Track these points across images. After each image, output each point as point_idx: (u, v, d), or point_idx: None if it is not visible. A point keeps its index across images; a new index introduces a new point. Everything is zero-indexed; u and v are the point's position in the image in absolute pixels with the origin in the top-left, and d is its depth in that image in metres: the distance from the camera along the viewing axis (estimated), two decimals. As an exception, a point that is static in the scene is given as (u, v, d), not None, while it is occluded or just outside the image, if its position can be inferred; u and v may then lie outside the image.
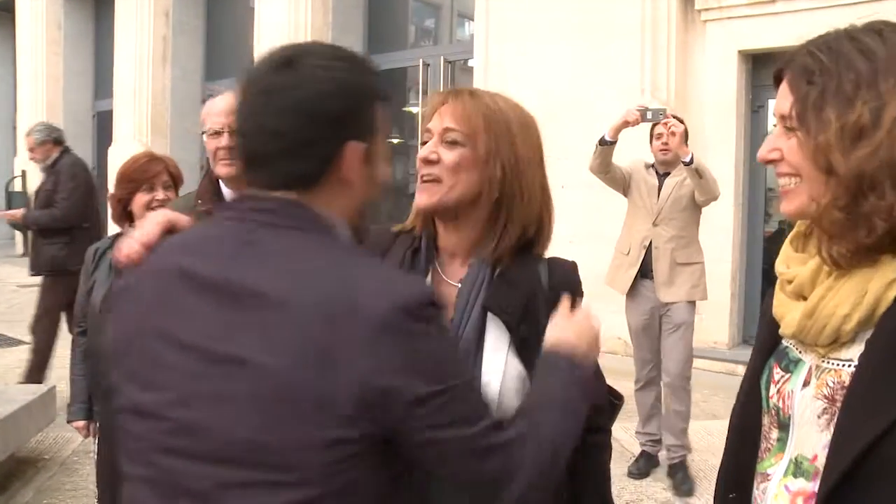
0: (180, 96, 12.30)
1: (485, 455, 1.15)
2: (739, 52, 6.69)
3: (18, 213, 6.40)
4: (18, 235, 14.66)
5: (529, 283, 1.49)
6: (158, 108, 12.18)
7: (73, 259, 5.75)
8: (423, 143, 1.49)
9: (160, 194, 2.81)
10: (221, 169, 2.50)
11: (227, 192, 2.53)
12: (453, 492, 1.25)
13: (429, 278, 1.52)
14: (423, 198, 1.47)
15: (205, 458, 1.09)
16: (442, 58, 9.40)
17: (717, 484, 1.43)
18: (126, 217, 2.83)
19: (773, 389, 1.28)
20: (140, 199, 2.79)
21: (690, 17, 6.96)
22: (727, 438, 1.42)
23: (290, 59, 1.18)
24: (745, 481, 1.33)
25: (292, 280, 1.10)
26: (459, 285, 1.49)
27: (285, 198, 1.17)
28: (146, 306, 1.17)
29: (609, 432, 1.69)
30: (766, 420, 1.32)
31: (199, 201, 2.52)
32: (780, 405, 1.26)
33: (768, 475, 1.27)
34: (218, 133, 2.47)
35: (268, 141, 1.16)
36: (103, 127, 14.15)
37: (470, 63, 9.19)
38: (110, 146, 12.58)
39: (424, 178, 1.47)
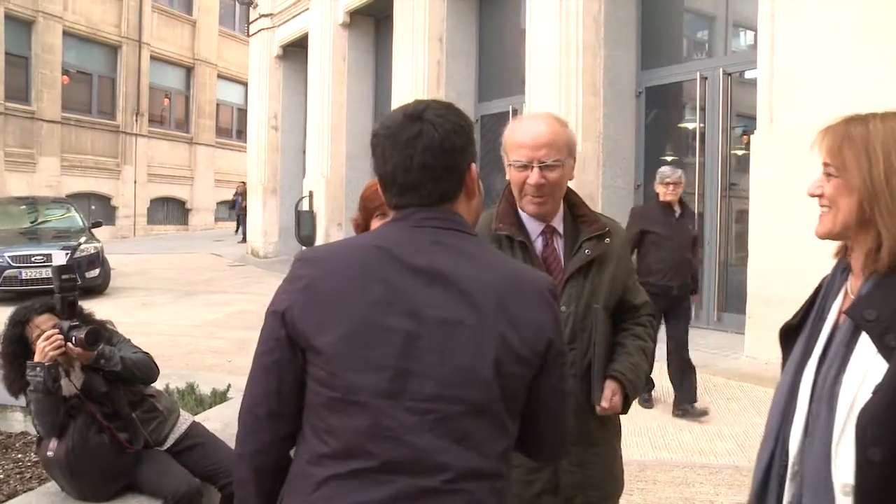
0: (454, 118, 12.64)
1: (568, 400, 1.73)
2: None
3: None
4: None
5: None
6: (434, 131, 12.59)
7: None
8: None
9: None
10: (529, 206, 2.37)
11: (525, 218, 2.42)
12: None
13: (840, 295, 1.66)
14: (817, 227, 1.65)
15: (421, 398, 1.49)
16: (720, 70, 8.93)
17: None
18: None
19: None
20: (374, 224, 2.74)
21: None
22: None
23: (417, 114, 1.59)
24: None
25: (478, 266, 1.58)
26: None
27: (448, 208, 1.61)
28: (346, 285, 1.54)
29: None
30: None
31: (500, 224, 2.40)
32: None
33: None
34: (525, 167, 2.33)
35: (418, 173, 1.57)
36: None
37: (748, 74, 8.66)
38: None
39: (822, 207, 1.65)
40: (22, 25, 23.67)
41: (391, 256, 1.55)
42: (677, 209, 6.33)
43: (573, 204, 2.47)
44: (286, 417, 1.59)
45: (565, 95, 9.64)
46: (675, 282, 6.16)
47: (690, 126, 9.77)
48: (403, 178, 1.58)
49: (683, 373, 6.18)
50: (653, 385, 6.47)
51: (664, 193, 6.27)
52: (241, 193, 25.92)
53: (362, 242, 1.66)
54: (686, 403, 6.07)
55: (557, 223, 2.44)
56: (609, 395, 2.35)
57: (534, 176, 2.31)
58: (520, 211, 2.42)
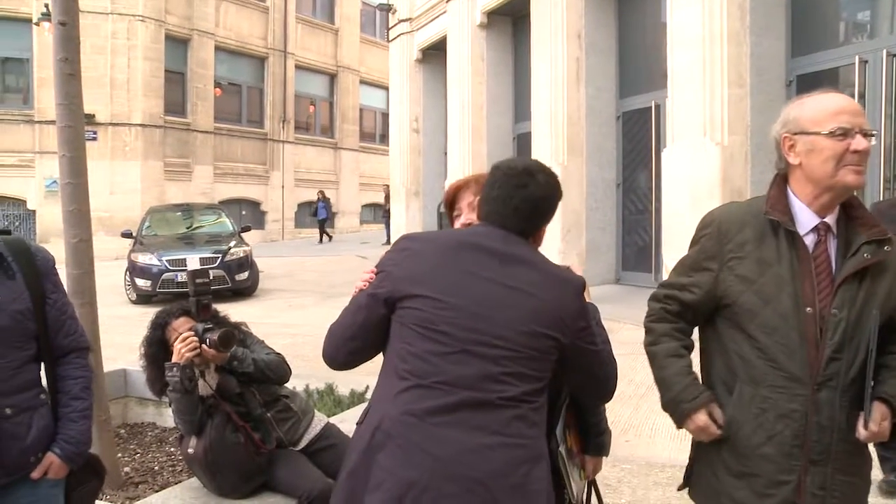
0: (595, 115, 12.42)
1: (607, 360, 2.25)
2: None
3: None
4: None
5: None
6: (574, 128, 12.39)
7: None
8: None
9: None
10: (850, 176, 2.10)
11: (798, 208, 2.17)
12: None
13: None
14: None
15: (490, 336, 2.02)
16: (884, 51, 8.31)
17: None
18: None
19: None
20: None
21: None
22: None
23: (531, 170, 2.21)
24: None
25: (543, 262, 2.17)
26: None
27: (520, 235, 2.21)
28: (442, 256, 2.13)
29: None
30: None
31: (771, 209, 2.17)
32: None
33: None
34: (846, 134, 2.09)
35: (512, 211, 2.17)
36: (523, 148, 14.80)
37: (915, 56, 8.02)
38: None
39: None
40: (179, 44, 25.02)
41: (479, 242, 2.14)
42: None
43: (849, 204, 2.20)
44: (358, 341, 2.20)
45: (710, 87, 9.24)
46: None
47: (846, 115, 9.14)
48: (497, 206, 2.18)
49: None
50: None
51: None
52: (325, 199, 26.56)
53: (455, 233, 2.30)
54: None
55: (832, 221, 2.19)
56: (878, 418, 2.09)
57: (862, 141, 2.08)
58: (793, 201, 2.19)
